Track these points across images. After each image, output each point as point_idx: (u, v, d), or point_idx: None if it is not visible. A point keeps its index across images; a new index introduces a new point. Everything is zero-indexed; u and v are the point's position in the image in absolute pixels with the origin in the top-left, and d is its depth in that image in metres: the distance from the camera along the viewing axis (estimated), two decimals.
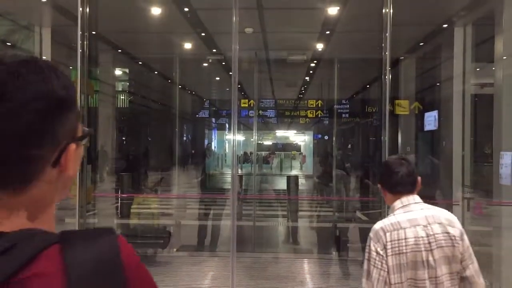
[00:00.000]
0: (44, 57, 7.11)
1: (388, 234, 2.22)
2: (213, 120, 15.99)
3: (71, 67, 7.79)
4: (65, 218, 7.16)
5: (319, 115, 15.75)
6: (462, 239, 2.23)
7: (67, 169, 0.77)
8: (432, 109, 7.96)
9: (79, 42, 5.31)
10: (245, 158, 35.61)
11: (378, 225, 2.29)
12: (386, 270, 2.18)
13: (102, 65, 7.84)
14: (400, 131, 6.94)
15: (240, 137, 40.51)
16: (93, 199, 7.93)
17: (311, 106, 16.78)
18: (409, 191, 2.34)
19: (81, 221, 5.63)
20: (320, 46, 7.00)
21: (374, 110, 11.19)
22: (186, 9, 6.71)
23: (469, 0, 5.99)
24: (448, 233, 2.22)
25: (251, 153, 41.46)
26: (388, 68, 5.09)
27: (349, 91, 11.38)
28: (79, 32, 5.15)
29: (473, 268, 2.23)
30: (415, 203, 2.33)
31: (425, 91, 8.29)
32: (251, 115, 9.21)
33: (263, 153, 36.39)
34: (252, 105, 13.29)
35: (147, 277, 0.76)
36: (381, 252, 2.20)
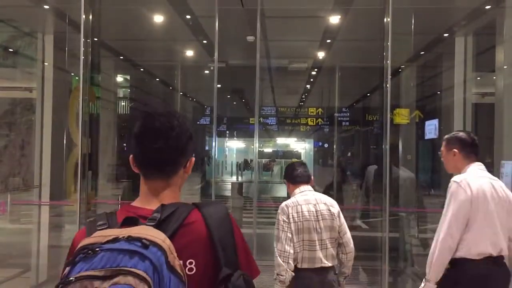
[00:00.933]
0: (46, 63, 7.14)
1: (290, 208, 3.28)
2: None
3: (72, 74, 7.83)
4: (65, 225, 7.18)
5: (320, 123, 15.77)
6: (339, 216, 3.30)
7: (188, 171, 1.46)
8: (432, 118, 7.97)
9: (82, 49, 5.33)
10: (245, 165, 35.43)
11: (284, 204, 3.33)
12: (291, 233, 3.22)
13: (103, 72, 7.87)
14: (400, 139, 6.92)
15: (240, 144, 40.52)
16: (94, 206, 7.93)
17: (312, 114, 16.77)
18: (305, 182, 3.42)
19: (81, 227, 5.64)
20: (321, 55, 7.02)
21: (374, 119, 11.21)
22: (188, 17, 6.75)
23: (470, 10, 6.01)
24: (329, 210, 3.28)
25: (251, 160, 41.31)
26: (389, 76, 5.11)
27: (349, 99, 11.40)
28: (82, 39, 5.17)
29: (346, 237, 3.31)
30: (309, 190, 3.40)
31: (426, 100, 8.31)
32: (252, 122, 9.22)
33: (264, 160, 36.32)
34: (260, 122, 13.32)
35: (238, 227, 1.40)
36: (286, 220, 3.25)
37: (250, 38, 6.64)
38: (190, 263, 1.30)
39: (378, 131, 13.65)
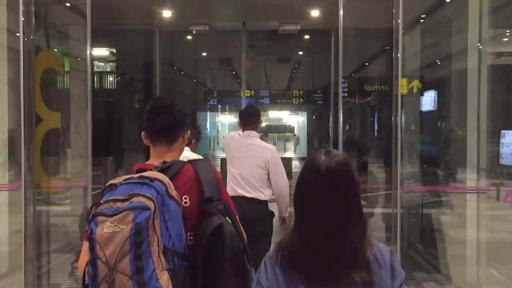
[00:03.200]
0: None
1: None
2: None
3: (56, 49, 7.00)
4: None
5: (314, 95, 15.01)
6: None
7: (185, 141, 2.05)
8: (436, 88, 7.29)
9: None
10: None
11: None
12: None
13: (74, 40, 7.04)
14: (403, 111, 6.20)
15: (231, 119, 39.78)
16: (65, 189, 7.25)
17: (305, 85, 15.94)
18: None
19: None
20: (315, 13, 6.21)
21: (373, 89, 10.47)
22: None
23: None
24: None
25: None
26: (400, 39, 4.37)
27: (346, 68, 10.58)
28: None
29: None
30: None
31: (430, 68, 7.54)
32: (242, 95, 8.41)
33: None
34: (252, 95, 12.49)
35: (219, 173, 1.95)
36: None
37: None
38: (185, 198, 1.81)
39: (376, 103, 12.91)
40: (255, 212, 3.94)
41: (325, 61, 8.28)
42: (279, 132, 39.10)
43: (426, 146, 6.92)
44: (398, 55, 4.51)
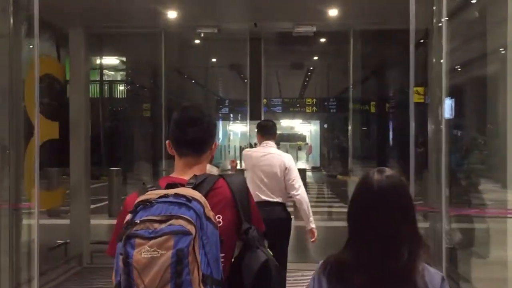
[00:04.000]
0: None
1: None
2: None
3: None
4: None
5: (328, 103, 14.50)
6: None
7: (213, 152, 1.93)
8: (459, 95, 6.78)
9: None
10: None
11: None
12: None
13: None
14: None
15: (243, 128, 39.32)
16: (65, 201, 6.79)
17: (318, 93, 15.37)
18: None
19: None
20: (333, 13, 5.69)
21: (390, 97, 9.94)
22: None
23: None
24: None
25: (255, 144, 40.29)
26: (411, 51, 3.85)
27: (362, 73, 10.01)
28: None
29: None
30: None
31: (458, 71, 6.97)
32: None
33: None
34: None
35: (250, 193, 1.89)
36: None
37: None
38: (219, 217, 1.71)
39: (393, 110, 12.38)
40: (278, 214, 4.37)
41: (342, 66, 7.74)
42: (291, 141, 38.61)
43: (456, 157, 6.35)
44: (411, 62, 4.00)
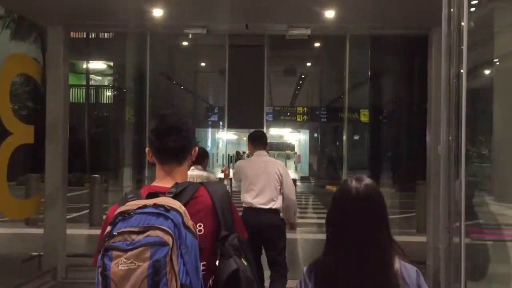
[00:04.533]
0: None
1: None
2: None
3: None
4: None
5: (320, 112, 14.18)
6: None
7: (193, 158, 1.94)
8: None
9: None
10: (237, 158, 34.40)
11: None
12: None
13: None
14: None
15: (232, 136, 39.05)
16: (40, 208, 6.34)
17: (309, 101, 15.07)
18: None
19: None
20: (330, 14, 5.34)
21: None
22: None
23: None
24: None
25: (243, 152, 40.14)
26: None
27: (357, 81, 9.69)
28: None
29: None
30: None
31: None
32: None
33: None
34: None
35: (233, 201, 1.88)
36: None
37: None
38: (199, 226, 1.72)
39: (387, 121, 12.07)
40: (271, 220, 4.70)
41: (336, 73, 7.41)
42: (280, 150, 38.35)
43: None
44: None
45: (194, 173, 5.10)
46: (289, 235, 8.55)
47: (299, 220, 10.78)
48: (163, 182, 1.84)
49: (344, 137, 7.21)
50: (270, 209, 4.70)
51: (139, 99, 8.41)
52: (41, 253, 6.27)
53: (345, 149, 6.89)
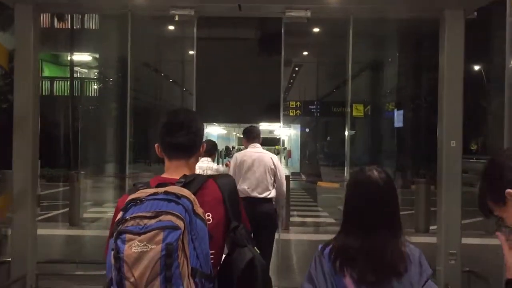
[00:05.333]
0: None
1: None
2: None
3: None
4: None
5: (314, 106, 13.65)
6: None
7: (202, 153, 2.03)
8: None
9: None
10: (226, 153, 33.93)
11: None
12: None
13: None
14: None
15: (221, 131, 38.45)
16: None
17: (303, 95, 14.55)
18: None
19: None
20: None
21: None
22: None
23: None
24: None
25: (233, 147, 39.61)
26: None
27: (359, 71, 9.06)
28: None
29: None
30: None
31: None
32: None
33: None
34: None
35: (238, 194, 2.01)
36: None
37: None
38: (208, 215, 1.79)
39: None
40: (266, 209, 5.04)
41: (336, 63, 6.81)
42: (269, 145, 37.86)
43: None
44: None
45: (204, 164, 5.48)
46: (282, 236, 8.05)
47: (293, 219, 10.19)
48: (172, 174, 1.91)
49: (346, 132, 6.62)
50: (265, 198, 5.08)
51: (122, 92, 7.75)
52: (10, 259, 5.64)
53: (347, 145, 6.29)
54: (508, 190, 1.40)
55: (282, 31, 5.81)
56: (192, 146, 1.94)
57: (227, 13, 5.58)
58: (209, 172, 5.26)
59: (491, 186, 1.48)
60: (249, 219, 4.61)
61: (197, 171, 5.36)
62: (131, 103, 6.64)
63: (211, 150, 5.64)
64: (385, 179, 1.92)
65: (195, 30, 5.79)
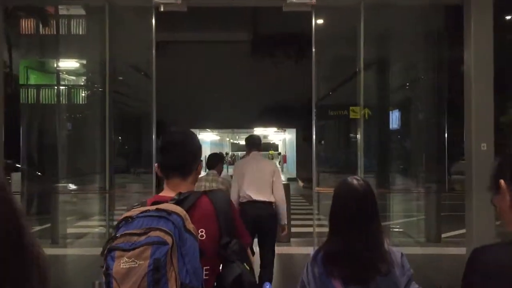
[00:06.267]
0: None
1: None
2: None
3: None
4: None
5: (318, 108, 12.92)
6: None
7: (199, 172, 2.03)
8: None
9: None
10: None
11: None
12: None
13: None
14: None
15: (214, 137, 37.76)
16: None
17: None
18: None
19: None
20: None
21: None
22: None
23: None
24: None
25: (226, 153, 38.90)
26: None
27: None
28: None
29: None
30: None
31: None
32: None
33: (240, 153, 33.79)
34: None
35: (235, 207, 2.08)
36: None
37: None
38: (201, 231, 1.81)
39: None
40: (268, 211, 5.24)
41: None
42: (263, 150, 37.21)
43: None
44: None
45: (210, 177, 5.56)
46: (282, 249, 7.31)
47: (294, 229, 9.43)
48: (169, 192, 1.95)
49: (358, 136, 5.98)
50: (266, 202, 5.27)
51: (102, 97, 7.02)
52: None
53: (360, 149, 5.64)
54: (501, 180, 1.48)
55: (313, 23, 5.03)
56: (187, 165, 1.99)
57: (220, 2, 4.87)
58: (214, 184, 5.41)
59: (493, 178, 1.55)
60: (252, 221, 4.74)
61: (203, 183, 5.25)
62: (111, 108, 5.96)
63: (213, 164, 5.71)
64: (365, 187, 2.12)
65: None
